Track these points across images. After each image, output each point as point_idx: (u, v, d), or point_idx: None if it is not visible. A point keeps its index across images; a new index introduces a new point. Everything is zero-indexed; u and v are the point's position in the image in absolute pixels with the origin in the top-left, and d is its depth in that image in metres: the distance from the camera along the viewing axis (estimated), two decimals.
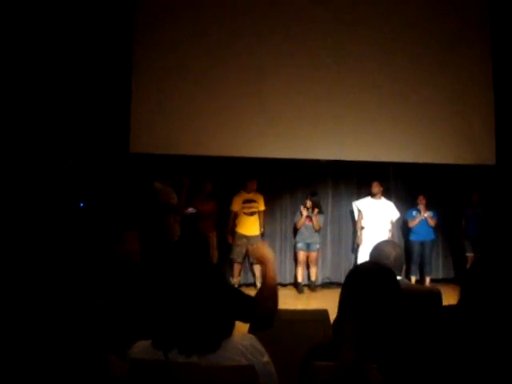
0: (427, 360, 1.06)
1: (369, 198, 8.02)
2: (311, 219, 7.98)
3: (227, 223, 7.93)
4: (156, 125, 7.69)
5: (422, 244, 8.21)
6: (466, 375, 1.04)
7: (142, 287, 2.52)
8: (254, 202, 7.96)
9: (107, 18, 7.46)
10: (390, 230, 7.88)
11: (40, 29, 6.85)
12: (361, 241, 7.84)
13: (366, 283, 1.97)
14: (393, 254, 3.01)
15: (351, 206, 8.33)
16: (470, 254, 8.18)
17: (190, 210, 6.99)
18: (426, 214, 8.14)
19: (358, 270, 2.15)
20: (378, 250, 3.12)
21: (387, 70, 8.16)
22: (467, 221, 8.39)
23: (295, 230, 8.25)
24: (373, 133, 8.06)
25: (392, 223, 7.97)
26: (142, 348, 1.90)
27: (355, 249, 8.14)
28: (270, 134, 7.90)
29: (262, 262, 2.62)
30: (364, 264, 2.31)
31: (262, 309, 2.45)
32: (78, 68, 7.23)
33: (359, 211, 8.04)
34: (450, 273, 8.74)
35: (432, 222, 8.16)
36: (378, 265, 2.21)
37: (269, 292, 2.58)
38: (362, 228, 7.91)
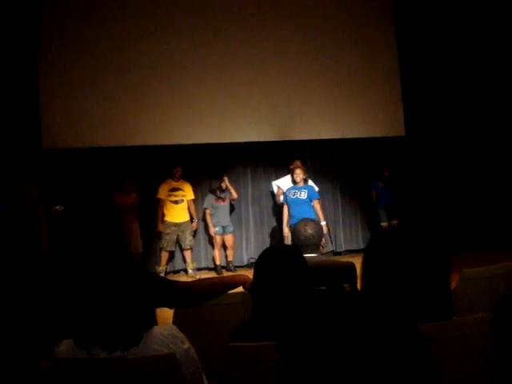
0: (321, 340, 1.14)
1: (288, 177, 8.11)
2: (224, 200, 8.07)
3: (156, 212, 7.89)
4: (69, 119, 7.57)
5: None
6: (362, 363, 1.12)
7: (57, 286, 2.53)
8: (181, 190, 7.95)
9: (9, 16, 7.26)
10: None
11: None
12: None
13: (272, 264, 2.08)
14: (305, 232, 3.15)
15: (271, 187, 8.48)
16: (384, 223, 8.54)
17: (57, 207, 6.84)
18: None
19: (264, 253, 2.26)
20: (294, 230, 3.29)
21: (299, 52, 8.38)
22: (379, 192, 8.73)
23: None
24: (286, 113, 8.28)
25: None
26: (66, 347, 1.91)
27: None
28: (189, 121, 7.99)
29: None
30: (271, 247, 2.43)
31: (184, 287, 2.48)
32: None
33: (279, 188, 8.10)
34: None
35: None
36: (283, 246, 2.34)
37: (214, 284, 2.63)
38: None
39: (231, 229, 8.20)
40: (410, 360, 1.07)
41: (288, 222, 7.41)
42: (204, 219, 8.33)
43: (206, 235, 8.54)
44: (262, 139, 8.36)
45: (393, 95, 8.84)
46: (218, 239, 8.12)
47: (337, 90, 8.52)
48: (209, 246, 8.53)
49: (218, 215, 8.09)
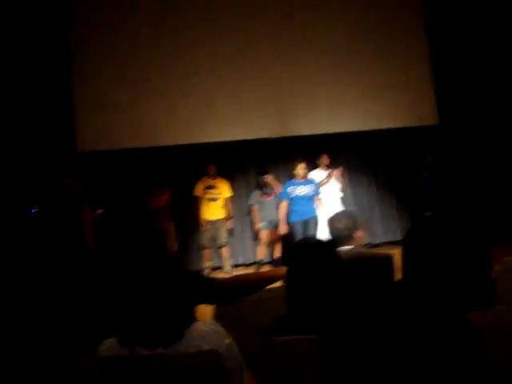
0: (366, 332, 1.14)
1: (317, 170, 8.06)
2: (269, 195, 8.04)
3: (195, 209, 7.93)
4: (102, 122, 7.73)
5: (305, 223, 7.32)
6: (405, 350, 1.11)
7: (100, 287, 2.57)
8: (216, 188, 7.99)
9: (41, 20, 7.42)
10: (341, 198, 8.04)
11: None
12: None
13: (301, 259, 2.08)
14: (333, 226, 3.17)
15: None
16: (428, 214, 8.39)
17: (100, 211, 6.91)
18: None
19: (294, 246, 2.25)
20: (329, 224, 3.28)
21: (324, 43, 8.31)
22: (424, 181, 8.56)
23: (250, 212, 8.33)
24: (315, 107, 8.23)
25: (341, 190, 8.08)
26: (108, 346, 1.95)
27: None
28: (219, 118, 8.05)
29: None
30: (298, 241, 2.42)
31: (222, 284, 2.49)
32: (16, 73, 7.16)
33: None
34: None
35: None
36: (314, 239, 2.33)
37: (253, 279, 2.64)
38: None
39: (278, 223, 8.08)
40: (460, 349, 1.06)
41: (286, 219, 7.39)
42: (250, 215, 8.34)
43: (242, 231, 8.55)
44: (290, 134, 8.34)
45: (423, 82, 8.67)
46: (263, 234, 8.04)
47: (365, 80, 8.43)
48: (246, 243, 8.55)
49: (265, 210, 7.99)
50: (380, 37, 8.48)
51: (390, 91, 8.50)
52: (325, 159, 8.03)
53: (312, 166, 8.03)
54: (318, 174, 7.95)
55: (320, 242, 2.25)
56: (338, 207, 7.65)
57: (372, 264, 2.97)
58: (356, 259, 2.90)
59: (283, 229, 7.46)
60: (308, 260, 2.08)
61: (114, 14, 7.87)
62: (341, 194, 8.05)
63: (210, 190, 7.95)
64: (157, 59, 7.91)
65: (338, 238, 3.12)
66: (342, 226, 3.16)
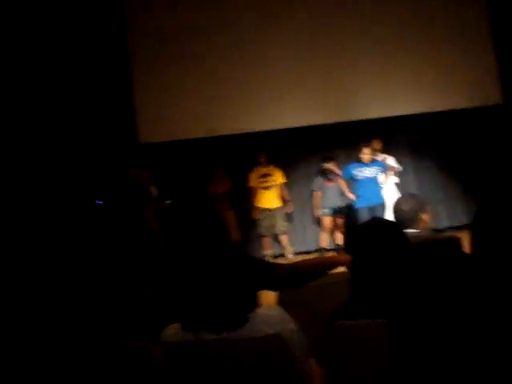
0: (437, 313, 1.09)
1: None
2: (330, 181, 7.92)
3: (250, 200, 7.91)
4: (162, 113, 7.84)
5: (372, 210, 7.17)
6: (478, 328, 1.06)
7: (165, 274, 2.58)
8: (270, 175, 7.93)
9: (99, 14, 7.58)
10: (395, 183, 7.87)
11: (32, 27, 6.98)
12: None
13: (366, 241, 2.01)
14: (404, 208, 3.07)
15: None
16: (496, 195, 8.04)
17: (168, 202, 6.97)
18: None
19: (356, 230, 2.18)
20: (394, 207, 3.21)
21: (384, 25, 8.15)
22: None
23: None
24: (376, 89, 8.08)
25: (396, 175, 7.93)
26: (172, 331, 1.96)
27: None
28: (276, 106, 8.02)
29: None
30: (365, 222, 2.34)
31: (285, 269, 2.43)
32: (75, 66, 7.35)
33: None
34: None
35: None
36: (376, 220, 2.26)
37: (316, 264, 2.59)
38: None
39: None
40: None
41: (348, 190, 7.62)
42: (311, 201, 8.22)
43: (303, 219, 8.47)
44: (350, 119, 8.20)
45: (484, 56, 8.29)
46: (325, 221, 7.94)
47: (424, 61, 8.18)
48: (308, 230, 8.46)
49: (327, 196, 7.88)
50: (439, 15, 8.22)
51: (450, 71, 8.21)
52: (375, 144, 7.86)
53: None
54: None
55: (388, 222, 2.18)
56: (394, 193, 7.53)
57: (439, 247, 2.88)
58: (423, 242, 2.82)
59: (349, 196, 7.61)
60: (375, 241, 2.01)
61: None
62: (395, 180, 7.88)
63: (266, 178, 7.89)
64: (218, 51, 7.96)
65: (403, 221, 3.03)
66: (407, 209, 3.07)
